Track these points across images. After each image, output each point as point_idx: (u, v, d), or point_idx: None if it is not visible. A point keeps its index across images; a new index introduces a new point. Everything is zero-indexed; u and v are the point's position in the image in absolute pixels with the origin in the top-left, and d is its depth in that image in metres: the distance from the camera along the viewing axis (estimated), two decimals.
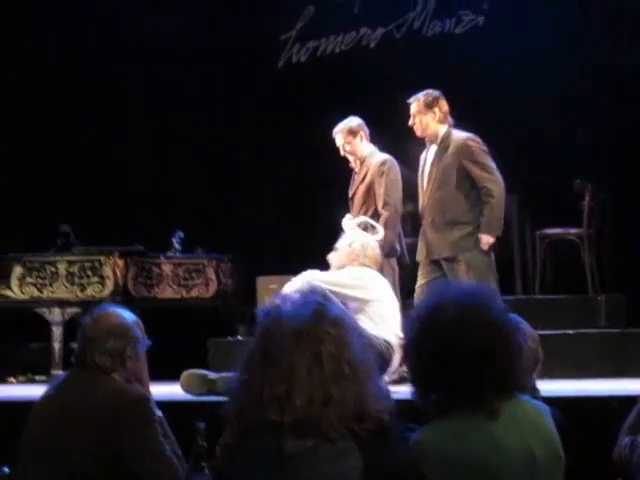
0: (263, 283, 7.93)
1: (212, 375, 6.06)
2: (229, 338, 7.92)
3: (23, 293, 7.99)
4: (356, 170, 7.18)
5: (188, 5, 9.69)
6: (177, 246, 8.35)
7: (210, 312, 8.43)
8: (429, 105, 6.62)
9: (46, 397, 3.36)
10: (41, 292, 7.97)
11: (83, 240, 8.24)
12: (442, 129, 6.61)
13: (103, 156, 9.37)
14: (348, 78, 9.26)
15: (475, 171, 6.46)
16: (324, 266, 6.31)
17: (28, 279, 7.99)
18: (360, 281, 6.10)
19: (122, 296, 7.79)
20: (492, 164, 6.50)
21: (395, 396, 2.45)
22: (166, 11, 9.63)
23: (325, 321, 2.27)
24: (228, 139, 9.39)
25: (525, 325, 3.43)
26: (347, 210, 7.07)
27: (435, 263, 6.52)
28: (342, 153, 7.16)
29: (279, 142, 9.24)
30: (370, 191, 7.02)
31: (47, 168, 9.46)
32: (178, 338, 7.71)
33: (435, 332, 2.39)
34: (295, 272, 6.10)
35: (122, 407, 3.17)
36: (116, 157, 9.30)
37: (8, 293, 8.02)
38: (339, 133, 7.13)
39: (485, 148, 6.53)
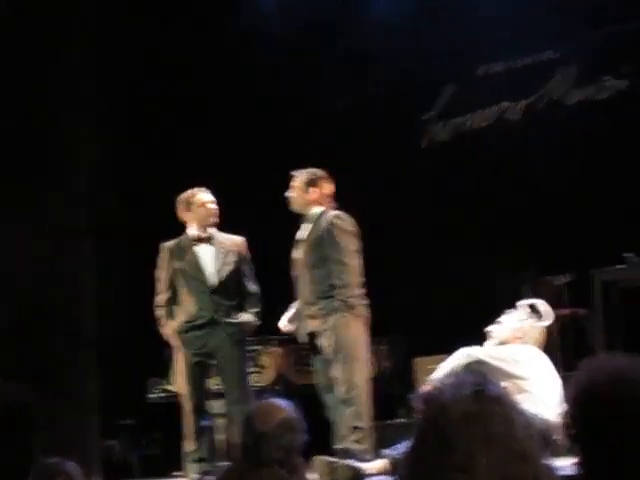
0: (421, 364, 7.87)
1: None
2: (388, 421, 7.84)
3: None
4: None
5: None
6: None
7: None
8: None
9: None
10: None
11: None
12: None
13: None
14: (492, 152, 9.22)
15: None
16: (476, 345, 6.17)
17: None
18: (519, 357, 5.96)
19: (282, 385, 7.83)
20: None
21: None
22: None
23: (489, 401, 2.23)
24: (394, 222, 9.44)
25: None
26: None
27: None
28: None
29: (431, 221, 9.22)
30: None
31: None
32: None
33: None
34: (449, 351, 6.02)
35: None
36: None
37: (168, 388, 8.13)
38: None
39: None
